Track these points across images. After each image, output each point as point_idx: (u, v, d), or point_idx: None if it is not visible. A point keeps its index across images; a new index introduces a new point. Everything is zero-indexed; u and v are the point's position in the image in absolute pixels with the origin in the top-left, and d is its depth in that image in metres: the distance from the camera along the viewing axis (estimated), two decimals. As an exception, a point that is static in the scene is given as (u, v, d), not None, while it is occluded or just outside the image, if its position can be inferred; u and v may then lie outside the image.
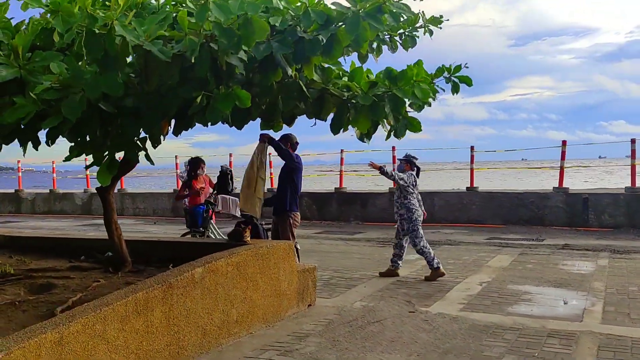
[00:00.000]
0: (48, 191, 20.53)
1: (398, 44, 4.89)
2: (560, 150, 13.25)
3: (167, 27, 3.70)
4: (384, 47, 4.79)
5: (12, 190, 21.14)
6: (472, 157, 14.54)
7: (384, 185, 16.58)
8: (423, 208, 8.21)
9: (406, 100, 4.17)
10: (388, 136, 5.05)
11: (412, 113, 4.89)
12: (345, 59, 4.81)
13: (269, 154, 7.05)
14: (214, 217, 8.61)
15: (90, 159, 4.69)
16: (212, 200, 8.38)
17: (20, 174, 20.95)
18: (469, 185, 14.47)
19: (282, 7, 4.02)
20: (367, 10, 3.67)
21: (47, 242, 7.33)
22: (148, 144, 4.56)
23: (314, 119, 5.22)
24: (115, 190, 19.77)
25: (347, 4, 3.92)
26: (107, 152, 4.38)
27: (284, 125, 5.52)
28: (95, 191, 19.14)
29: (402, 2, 4.09)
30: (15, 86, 4.44)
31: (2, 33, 4.86)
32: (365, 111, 4.25)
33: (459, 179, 46.35)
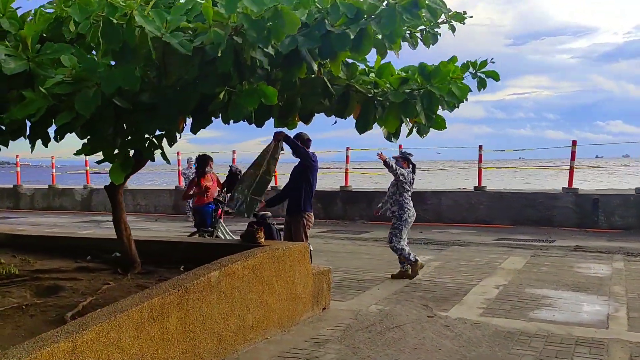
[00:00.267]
0: (47, 187, 20.24)
1: (419, 40, 4.69)
2: (570, 150, 13.05)
3: (192, 18, 3.47)
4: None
5: (11, 186, 20.86)
6: (480, 156, 14.35)
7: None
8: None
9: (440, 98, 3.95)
10: (409, 133, 4.84)
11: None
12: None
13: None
14: (222, 216, 8.39)
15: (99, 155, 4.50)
16: (221, 199, 8.16)
17: (18, 168, 20.67)
18: (476, 185, 14.26)
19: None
20: (403, 4, 3.45)
21: (51, 241, 7.11)
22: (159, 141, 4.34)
23: (333, 116, 5.03)
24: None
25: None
26: (120, 150, 4.16)
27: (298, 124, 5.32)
28: (94, 187, 18.79)
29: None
30: (23, 80, 4.22)
31: (9, 23, 4.64)
32: (395, 109, 4.04)
33: (454, 177, 46.26)
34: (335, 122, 5.07)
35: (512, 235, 11.93)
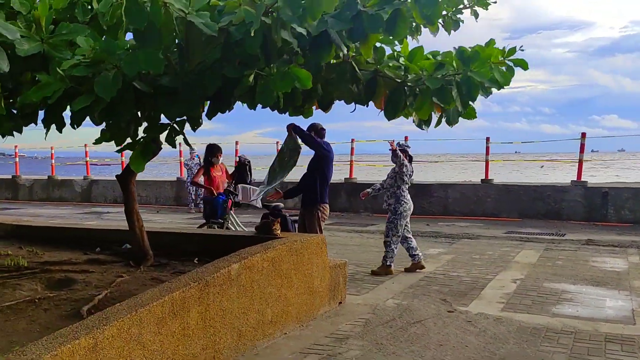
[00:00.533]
0: (46, 178, 20.00)
1: (440, 26, 4.49)
2: (580, 142, 12.90)
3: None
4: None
5: (9, 176, 20.60)
6: (487, 148, 14.18)
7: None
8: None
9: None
10: (438, 123, 4.65)
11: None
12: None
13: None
14: (232, 207, 8.19)
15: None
16: (232, 190, 7.97)
17: (17, 159, 20.40)
18: (483, 177, 14.10)
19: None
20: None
21: (57, 232, 6.93)
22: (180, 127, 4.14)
23: (353, 104, 4.83)
24: (115, 178, 19.37)
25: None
26: (142, 136, 3.97)
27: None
28: (94, 178, 18.60)
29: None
30: (37, 62, 4.02)
31: (19, 3, 4.42)
32: (429, 95, 3.84)
33: (451, 170, 46.05)
34: (355, 110, 4.89)
35: (521, 229, 11.79)
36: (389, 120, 4.10)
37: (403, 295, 6.40)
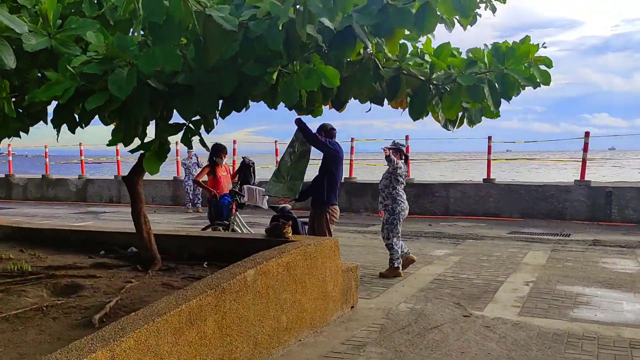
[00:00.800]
0: (40, 177, 19.71)
1: (455, 21, 4.33)
2: (584, 141, 12.79)
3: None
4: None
5: (2, 175, 20.28)
6: (489, 147, 14.04)
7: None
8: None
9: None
10: (460, 123, 4.50)
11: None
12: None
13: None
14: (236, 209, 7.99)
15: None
16: (237, 191, 7.77)
17: (10, 158, 20.09)
18: (485, 177, 13.98)
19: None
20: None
21: (59, 234, 6.71)
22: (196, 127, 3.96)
23: (368, 103, 4.67)
24: (112, 177, 19.12)
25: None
26: (157, 136, 3.78)
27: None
28: (89, 178, 18.30)
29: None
30: (44, 58, 3.83)
31: (23, -4, 4.22)
32: (459, 93, 3.68)
33: (446, 170, 46.05)
34: (370, 109, 4.73)
35: (524, 229, 11.67)
36: (414, 120, 3.93)
37: (415, 299, 6.24)
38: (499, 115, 4.31)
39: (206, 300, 3.75)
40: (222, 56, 3.57)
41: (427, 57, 3.94)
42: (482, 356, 4.48)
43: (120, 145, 13.86)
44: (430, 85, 3.89)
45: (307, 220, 6.75)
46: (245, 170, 8.12)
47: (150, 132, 3.92)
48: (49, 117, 3.91)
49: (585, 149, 12.79)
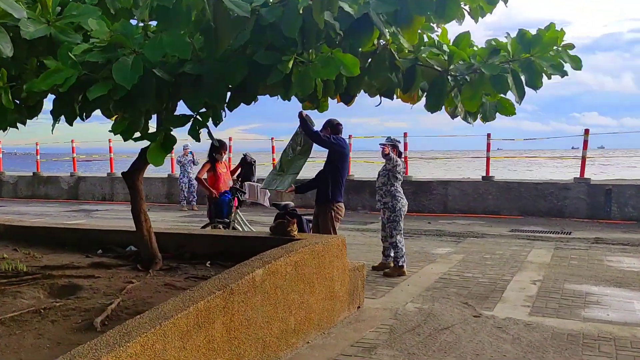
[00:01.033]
0: (31, 174, 19.40)
1: (466, 12, 4.17)
2: (583, 139, 12.69)
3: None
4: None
5: (-8, 173, 19.96)
6: (488, 145, 13.91)
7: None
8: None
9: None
10: (475, 117, 4.33)
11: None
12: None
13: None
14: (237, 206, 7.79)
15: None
16: (239, 188, 7.57)
17: (0, 155, 19.75)
18: (484, 174, 13.85)
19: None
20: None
21: (54, 232, 6.50)
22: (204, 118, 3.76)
23: (378, 97, 4.50)
24: (105, 174, 18.83)
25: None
26: (162, 127, 3.59)
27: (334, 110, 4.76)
28: (81, 175, 17.99)
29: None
30: (43, 47, 3.63)
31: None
32: (482, 84, 3.50)
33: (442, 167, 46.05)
34: (380, 103, 4.56)
35: (524, 227, 11.56)
36: (431, 112, 3.76)
37: (422, 299, 6.09)
38: (515, 113, 4.15)
39: (214, 302, 3.56)
40: (232, 45, 3.39)
41: (444, 48, 3.75)
42: (498, 358, 4.32)
43: (113, 142, 13.65)
44: (448, 77, 3.72)
45: (311, 217, 6.57)
46: (247, 168, 7.93)
47: (151, 127, 3.73)
48: (48, 109, 3.71)
49: (584, 147, 12.69)
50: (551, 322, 5.24)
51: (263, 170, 14.50)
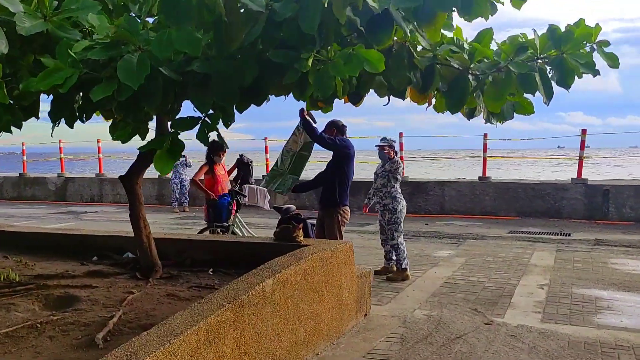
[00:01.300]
0: (17, 175, 19.00)
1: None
2: (581, 139, 12.60)
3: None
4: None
5: (-23, 174, 19.54)
6: (484, 145, 13.76)
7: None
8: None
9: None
10: (488, 119, 4.15)
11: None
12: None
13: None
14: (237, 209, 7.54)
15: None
16: (238, 190, 7.33)
17: (-14, 156, 19.35)
18: (481, 175, 13.71)
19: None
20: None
21: (46, 237, 6.24)
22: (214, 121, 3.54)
23: (386, 97, 4.30)
24: (94, 175, 18.47)
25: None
26: (170, 132, 3.36)
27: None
28: (69, 176, 17.62)
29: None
30: (40, 43, 3.39)
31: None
32: (509, 82, 3.32)
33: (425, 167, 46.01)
34: (388, 103, 4.37)
35: (523, 228, 11.43)
36: (452, 113, 3.57)
37: (430, 305, 5.90)
38: (533, 112, 3.97)
39: (225, 316, 3.35)
40: (245, 42, 3.18)
41: (464, 45, 3.56)
42: (517, 370, 4.15)
43: (102, 142, 13.27)
44: (470, 75, 3.53)
45: (314, 221, 6.36)
46: (244, 169, 7.70)
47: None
48: (45, 111, 3.47)
49: (582, 147, 12.60)
50: (565, 330, 5.08)
51: (256, 171, 14.27)
